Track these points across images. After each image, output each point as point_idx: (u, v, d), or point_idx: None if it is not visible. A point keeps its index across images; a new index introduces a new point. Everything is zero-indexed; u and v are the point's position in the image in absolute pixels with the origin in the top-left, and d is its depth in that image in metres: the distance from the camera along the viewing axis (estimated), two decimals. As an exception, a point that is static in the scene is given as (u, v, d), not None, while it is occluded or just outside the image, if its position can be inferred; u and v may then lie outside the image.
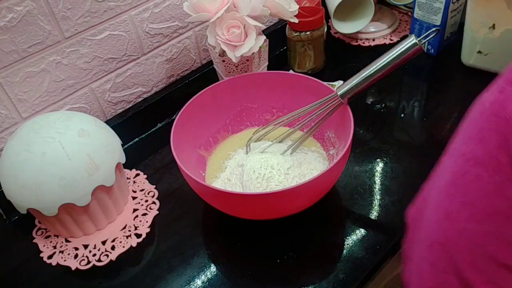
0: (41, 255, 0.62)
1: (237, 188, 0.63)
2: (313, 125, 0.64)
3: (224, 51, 0.69)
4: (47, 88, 0.69)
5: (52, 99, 0.70)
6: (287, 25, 0.84)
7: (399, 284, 0.79)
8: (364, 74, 0.57)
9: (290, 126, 0.70)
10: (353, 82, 0.58)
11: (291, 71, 0.88)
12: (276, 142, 0.68)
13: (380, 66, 0.57)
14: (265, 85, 0.71)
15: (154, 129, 0.82)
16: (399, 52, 0.55)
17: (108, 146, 0.60)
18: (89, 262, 0.60)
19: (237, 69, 0.74)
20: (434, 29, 0.56)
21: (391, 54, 0.56)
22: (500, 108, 0.31)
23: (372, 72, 0.57)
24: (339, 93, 0.59)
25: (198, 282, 0.57)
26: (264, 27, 0.85)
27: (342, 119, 0.62)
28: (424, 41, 0.55)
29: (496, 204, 0.31)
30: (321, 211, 0.63)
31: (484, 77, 0.82)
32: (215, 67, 0.79)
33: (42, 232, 0.65)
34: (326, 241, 0.60)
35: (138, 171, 0.73)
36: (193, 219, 0.66)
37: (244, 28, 0.67)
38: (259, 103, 0.73)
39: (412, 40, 0.54)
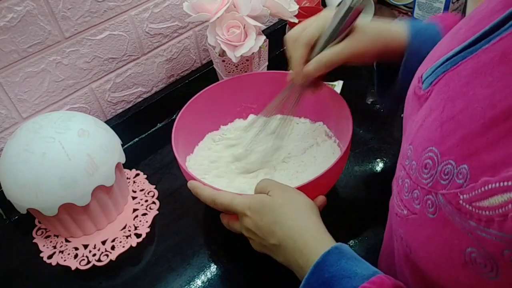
0: (41, 255, 0.62)
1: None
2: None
3: (224, 51, 0.69)
4: (47, 88, 0.69)
5: (52, 99, 0.70)
6: (287, 25, 0.84)
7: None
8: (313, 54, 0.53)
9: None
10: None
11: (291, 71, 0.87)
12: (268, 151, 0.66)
13: (323, 43, 0.52)
14: (265, 85, 0.70)
15: (154, 129, 0.82)
16: (336, 23, 0.49)
17: (108, 146, 0.60)
18: (89, 262, 0.60)
19: (237, 69, 0.74)
20: None
21: (329, 29, 0.50)
22: None
23: (317, 50, 0.52)
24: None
25: (198, 282, 0.57)
26: (264, 27, 0.85)
27: (340, 118, 0.62)
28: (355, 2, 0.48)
29: None
30: (321, 211, 0.63)
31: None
32: (215, 67, 0.79)
33: (42, 232, 0.65)
34: (326, 241, 0.60)
35: (138, 171, 0.73)
36: (193, 219, 0.66)
37: (244, 28, 0.67)
38: (258, 103, 0.73)
39: (345, 4, 0.48)
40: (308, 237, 0.43)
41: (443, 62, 0.35)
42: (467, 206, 0.27)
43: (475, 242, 0.27)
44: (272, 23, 0.96)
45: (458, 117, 0.30)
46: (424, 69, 0.39)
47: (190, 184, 0.54)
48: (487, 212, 0.26)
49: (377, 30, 0.51)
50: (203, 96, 0.67)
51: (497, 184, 0.25)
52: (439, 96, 0.33)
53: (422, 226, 0.32)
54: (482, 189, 0.26)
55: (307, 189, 0.53)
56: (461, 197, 0.28)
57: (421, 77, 0.38)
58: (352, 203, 0.64)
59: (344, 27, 0.50)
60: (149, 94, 0.84)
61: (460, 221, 0.28)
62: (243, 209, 0.48)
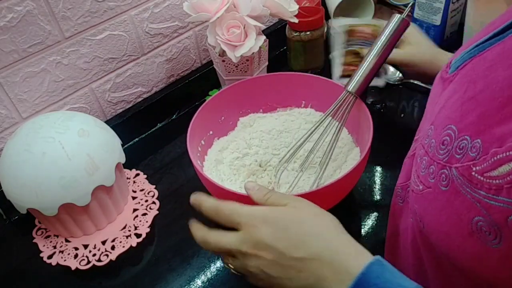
0: (41, 255, 0.62)
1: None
2: (337, 129, 0.61)
3: (224, 51, 0.69)
4: (47, 88, 0.69)
5: (52, 99, 0.70)
6: (287, 25, 0.84)
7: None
8: (366, 64, 0.59)
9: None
10: (359, 74, 0.60)
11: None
12: (303, 168, 0.64)
13: (378, 51, 0.59)
14: (288, 85, 0.71)
15: (154, 129, 0.82)
16: (390, 32, 0.59)
17: (108, 146, 0.60)
18: (89, 262, 0.60)
19: (237, 69, 0.74)
20: (410, 3, 0.64)
21: (384, 37, 0.59)
22: None
23: (372, 58, 0.59)
24: (349, 89, 0.60)
25: (198, 282, 0.57)
26: (264, 27, 0.85)
27: (361, 125, 0.63)
28: (405, 14, 0.59)
29: None
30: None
31: (484, 77, 0.82)
32: (215, 67, 0.79)
33: (42, 232, 0.65)
34: (326, 241, 0.60)
35: (138, 171, 0.73)
36: (193, 219, 0.66)
37: (244, 28, 0.67)
38: (283, 104, 0.73)
39: (397, 17, 0.59)
40: (351, 249, 0.40)
41: (472, 49, 0.36)
42: (479, 177, 0.29)
43: (482, 211, 0.29)
44: (272, 23, 0.96)
45: (478, 97, 0.32)
46: (455, 56, 0.41)
47: (194, 201, 0.46)
48: (496, 181, 0.28)
49: (432, 54, 0.60)
50: (222, 94, 0.68)
51: (505, 154, 0.27)
52: (463, 79, 0.35)
53: (435, 199, 0.34)
54: (492, 159, 0.28)
55: (321, 195, 0.52)
56: (474, 169, 0.30)
57: (450, 62, 0.40)
58: (352, 203, 0.64)
59: (395, 37, 0.59)
60: (149, 94, 0.84)
61: (470, 191, 0.30)
62: (253, 219, 0.40)
